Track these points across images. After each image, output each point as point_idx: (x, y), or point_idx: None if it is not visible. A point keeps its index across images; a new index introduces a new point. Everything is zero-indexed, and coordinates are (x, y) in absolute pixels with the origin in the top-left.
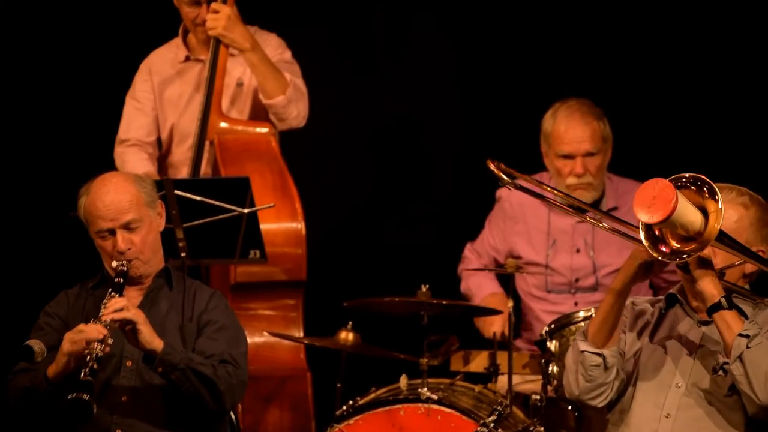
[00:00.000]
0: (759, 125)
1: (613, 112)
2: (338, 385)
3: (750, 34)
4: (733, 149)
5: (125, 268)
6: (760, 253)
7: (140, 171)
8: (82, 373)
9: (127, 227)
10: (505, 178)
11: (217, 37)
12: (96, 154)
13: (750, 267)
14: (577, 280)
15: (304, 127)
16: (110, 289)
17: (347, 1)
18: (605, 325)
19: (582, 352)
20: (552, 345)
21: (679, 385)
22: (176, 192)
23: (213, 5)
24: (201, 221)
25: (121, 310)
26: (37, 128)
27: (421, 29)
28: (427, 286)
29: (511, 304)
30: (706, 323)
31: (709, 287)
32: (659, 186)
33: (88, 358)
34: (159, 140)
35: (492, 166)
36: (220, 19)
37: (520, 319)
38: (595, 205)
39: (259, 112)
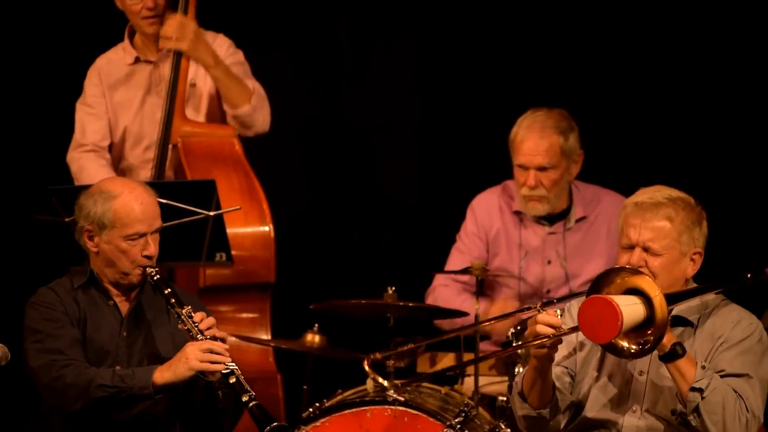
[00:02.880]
0: (732, 131)
1: (584, 121)
2: (304, 387)
3: (724, 42)
4: (704, 155)
5: (159, 276)
6: (696, 256)
7: (102, 177)
8: (247, 397)
9: (156, 232)
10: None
11: (183, 53)
12: (57, 158)
13: (691, 270)
14: (548, 291)
15: (270, 131)
16: (172, 300)
17: (313, 12)
18: (537, 393)
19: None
20: None
21: (635, 409)
22: None
23: (177, 19)
24: (166, 224)
25: (211, 327)
26: None
27: (386, 39)
28: (393, 288)
29: (477, 305)
30: None
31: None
32: (600, 305)
33: (237, 382)
34: (111, 144)
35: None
36: (186, 36)
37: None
38: (564, 214)
39: (214, 113)
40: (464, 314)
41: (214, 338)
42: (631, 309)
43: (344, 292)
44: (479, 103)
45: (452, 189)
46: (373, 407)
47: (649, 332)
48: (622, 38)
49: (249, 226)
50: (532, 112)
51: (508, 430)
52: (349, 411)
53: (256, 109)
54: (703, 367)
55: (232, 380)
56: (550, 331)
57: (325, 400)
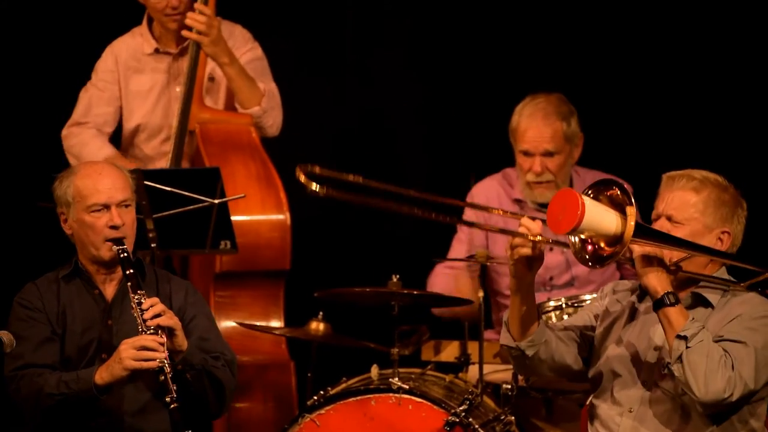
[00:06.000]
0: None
1: (586, 107)
2: (309, 374)
3: (722, 27)
4: (705, 141)
5: (126, 254)
6: (724, 236)
7: (105, 154)
8: (168, 398)
9: (121, 205)
10: (314, 184)
11: (202, 46)
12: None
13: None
14: (551, 278)
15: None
16: (128, 283)
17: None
18: (516, 321)
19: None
20: None
21: (646, 381)
22: (146, 182)
23: (206, 12)
24: (171, 212)
25: (160, 315)
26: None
27: (389, 29)
28: (398, 276)
29: (481, 293)
30: None
31: (653, 282)
32: (566, 196)
33: (164, 380)
34: (119, 132)
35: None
36: (211, 33)
37: (490, 314)
38: None
39: (232, 107)
40: (468, 302)
41: (158, 328)
42: (599, 213)
43: (349, 280)
44: (484, 91)
45: (457, 177)
46: (377, 395)
47: (616, 247)
48: (621, 21)
49: (266, 214)
50: (531, 99)
51: (512, 418)
52: (354, 399)
53: (265, 112)
54: (693, 320)
55: (161, 378)
56: (532, 230)
57: (329, 388)
